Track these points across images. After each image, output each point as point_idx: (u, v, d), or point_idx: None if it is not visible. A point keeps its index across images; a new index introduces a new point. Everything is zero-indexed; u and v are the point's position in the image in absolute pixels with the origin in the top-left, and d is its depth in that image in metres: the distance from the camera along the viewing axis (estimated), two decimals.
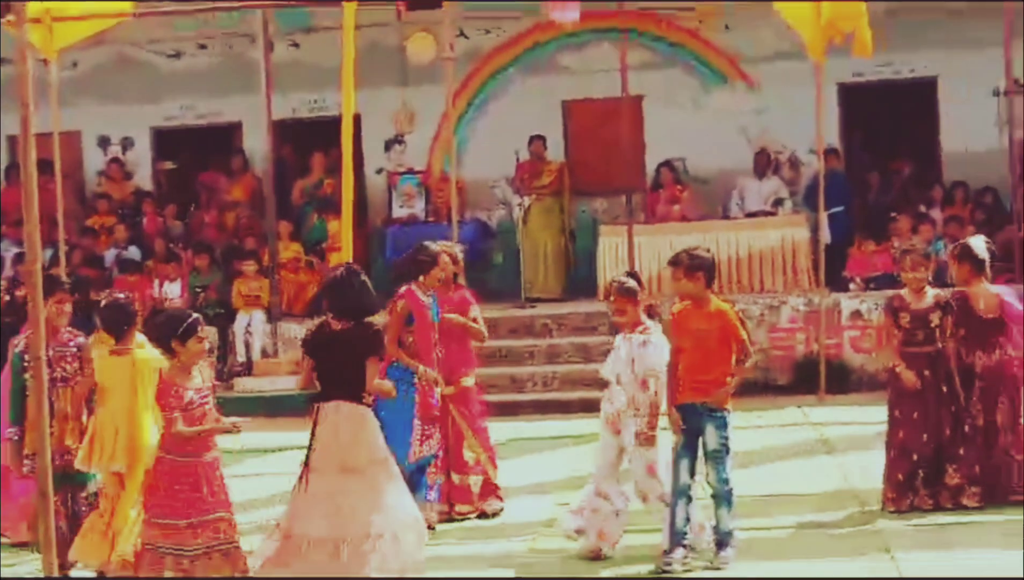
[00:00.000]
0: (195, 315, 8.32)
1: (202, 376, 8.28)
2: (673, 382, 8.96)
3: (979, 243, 10.42)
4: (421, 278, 10.23)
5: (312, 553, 8.17)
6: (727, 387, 8.90)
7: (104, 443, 8.64)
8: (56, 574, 7.39)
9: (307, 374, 8.61)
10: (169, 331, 8.14)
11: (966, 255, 10.31)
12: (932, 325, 10.12)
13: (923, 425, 10.08)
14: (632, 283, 9.15)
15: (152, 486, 8.18)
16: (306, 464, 8.33)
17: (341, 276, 8.66)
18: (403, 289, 10.26)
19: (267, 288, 17.86)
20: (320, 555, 8.15)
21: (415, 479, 9.72)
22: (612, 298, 9.14)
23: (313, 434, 8.39)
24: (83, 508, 8.84)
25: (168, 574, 8.04)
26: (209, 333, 9.60)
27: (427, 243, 10.48)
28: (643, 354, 8.99)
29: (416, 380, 9.98)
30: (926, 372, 10.12)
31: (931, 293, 10.24)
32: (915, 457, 10.04)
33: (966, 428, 10.11)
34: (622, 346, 9.09)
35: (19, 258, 17.03)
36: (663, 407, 9.02)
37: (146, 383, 8.59)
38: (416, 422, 9.94)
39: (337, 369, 8.41)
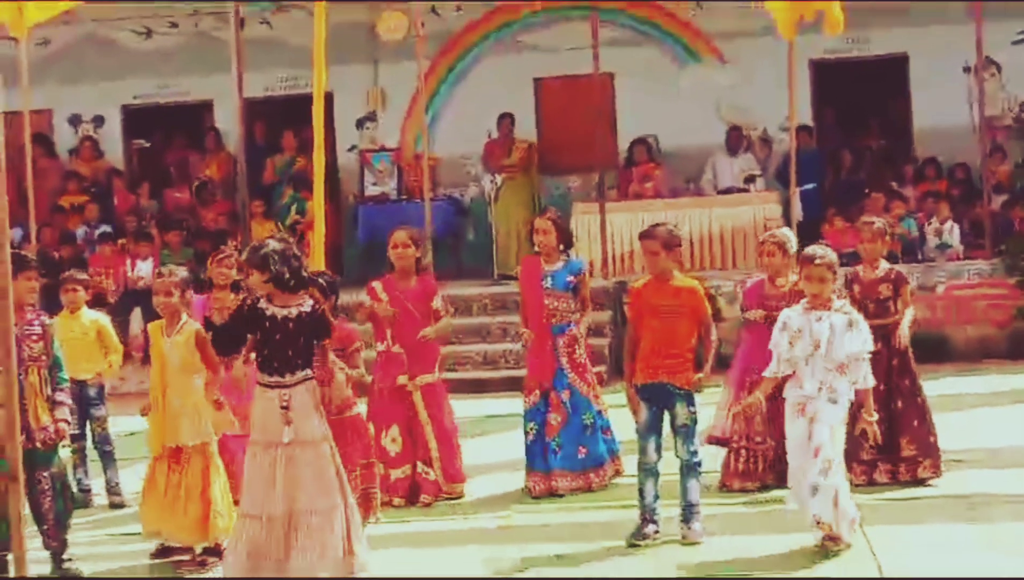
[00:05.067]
0: None
1: None
2: (630, 359, 8.88)
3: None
4: None
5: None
6: (700, 373, 8.78)
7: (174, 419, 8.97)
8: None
9: None
10: None
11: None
12: (881, 297, 10.17)
13: (876, 398, 10.14)
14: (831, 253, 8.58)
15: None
16: None
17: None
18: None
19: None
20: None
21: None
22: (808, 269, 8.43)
23: None
24: (45, 487, 8.76)
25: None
26: None
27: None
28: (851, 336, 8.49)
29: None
30: (878, 345, 10.17)
31: (884, 266, 10.29)
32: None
33: (919, 400, 10.20)
34: (811, 325, 8.44)
35: None
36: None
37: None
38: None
39: None
